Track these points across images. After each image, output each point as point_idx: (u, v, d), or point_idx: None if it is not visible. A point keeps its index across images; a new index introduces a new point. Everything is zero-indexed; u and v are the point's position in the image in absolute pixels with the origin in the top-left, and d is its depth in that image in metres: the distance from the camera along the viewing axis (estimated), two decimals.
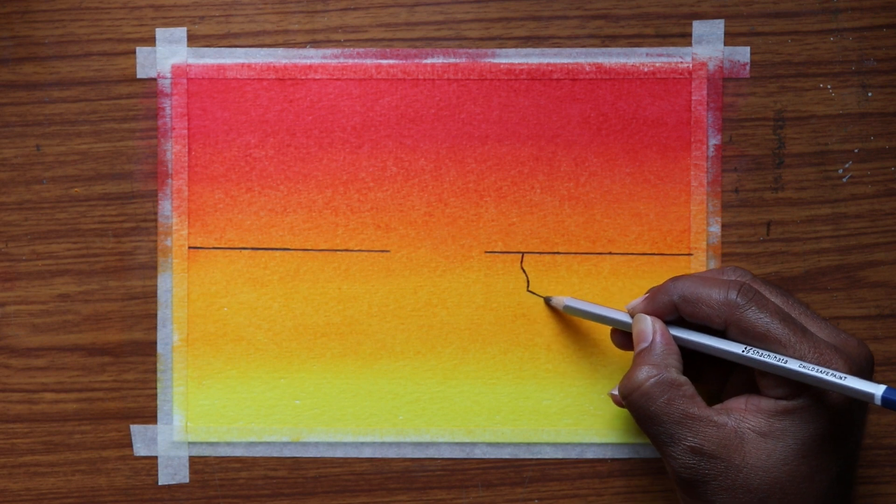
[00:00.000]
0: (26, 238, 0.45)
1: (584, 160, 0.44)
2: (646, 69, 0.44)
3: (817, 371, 0.34)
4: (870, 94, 0.44)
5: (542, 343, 0.44)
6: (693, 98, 0.44)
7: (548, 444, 0.44)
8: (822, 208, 0.44)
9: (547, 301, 0.44)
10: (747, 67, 0.44)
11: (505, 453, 0.44)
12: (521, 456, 0.44)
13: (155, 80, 0.44)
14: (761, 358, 0.36)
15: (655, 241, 0.44)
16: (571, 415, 0.44)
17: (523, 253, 0.44)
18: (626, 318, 0.40)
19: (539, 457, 0.44)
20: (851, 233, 0.44)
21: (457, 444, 0.44)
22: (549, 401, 0.44)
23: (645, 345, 0.38)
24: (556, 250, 0.44)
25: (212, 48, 0.44)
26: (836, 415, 0.35)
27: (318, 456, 0.45)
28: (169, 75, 0.44)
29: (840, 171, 0.44)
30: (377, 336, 0.44)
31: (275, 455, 0.45)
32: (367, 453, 0.44)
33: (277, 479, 0.45)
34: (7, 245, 0.45)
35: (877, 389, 0.33)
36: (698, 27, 0.44)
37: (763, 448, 0.35)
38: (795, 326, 0.36)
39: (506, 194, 0.44)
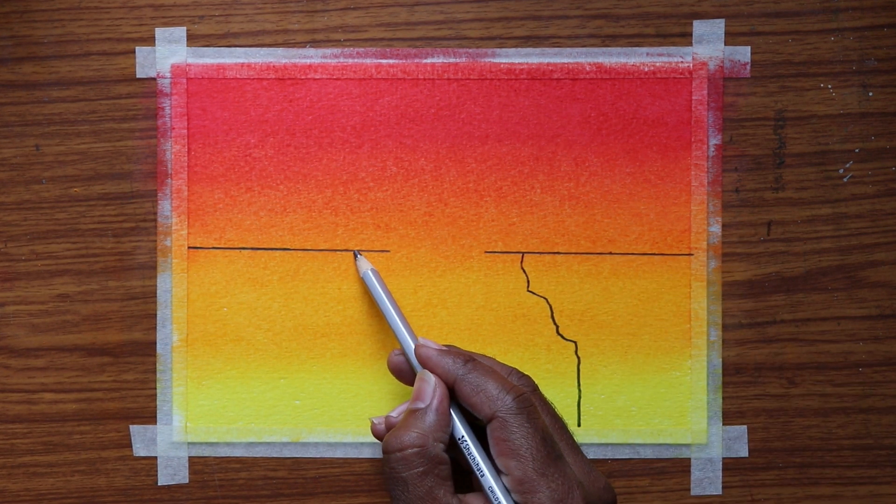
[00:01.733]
0: (26, 238, 0.45)
1: (585, 160, 0.44)
2: (646, 69, 0.44)
3: None
4: (870, 94, 0.44)
5: (542, 343, 0.44)
6: (693, 98, 0.44)
7: None
8: (823, 208, 0.44)
9: (355, 254, 0.44)
10: (748, 67, 0.44)
11: None
12: None
13: (154, 79, 0.44)
14: (482, 478, 0.36)
15: (656, 241, 0.44)
16: (571, 415, 0.44)
17: (523, 253, 0.44)
18: (410, 344, 0.40)
19: None
20: (852, 233, 0.44)
21: None
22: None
23: (421, 405, 0.38)
24: (556, 250, 0.44)
25: (211, 48, 0.44)
26: None
27: (318, 456, 0.45)
28: (168, 75, 0.44)
29: (841, 170, 0.44)
30: (377, 336, 0.44)
31: (275, 455, 0.44)
32: (367, 453, 0.44)
33: (277, 480, 0.45)
34: (6, 245, 0.45)
35: None
36: (699, 27, 0.44)
37: None
38: (551, 449, 0.36)
39: (506, 194, 0.44)
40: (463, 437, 0.38)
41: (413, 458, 0.37)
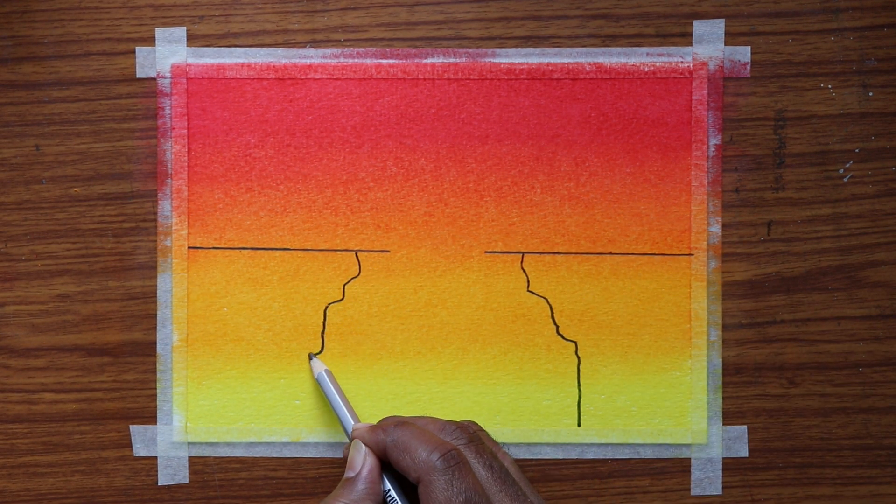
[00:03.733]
0: (26, 238, 0.45)
1: (585, 160, 0.44)
2: (646, 69, 0.44)
3: None
4: (870, 94, 0.44)
5: (542, 343, 0.44)
6: (693, 98, 0.44)
7: (548, 444, 0.44)
8: (823, 208, 0.44)
9: (310, 356, 0.44)
10: (748, 67, 0.44)
11: None
12: (522, 456, 0.44)
13: (154, 79, 0.44)
14: None
15: (656, 241, 0.44)
16: (571, 415, 0.44)
17: (523, 253, 0.44)
18: (350, 426, 0.41)
19: (539, 457, 0.44)
20: (852, 233, 0.44)
21: None
22: (549, 401, 0.44)
23: (351, 474, 0.38)
24: (556, 250, 0.44)
25: (211, 48, 0.44)
26: None
27: (318, 456, 0.45)
28: (168, 75, 0.44)
29: (841, 170, 0.44)
30: (377, 336, 0.44)
31: (275, 455, 0.44)
32: None
33: (277, 480, 0.45)
34: (6, 245, 0.45)
35: None
36: (699, 27, 0.44)
37: None
38: None
39: (506, 194, 0.44)
40: (389, 490, 0.38)
41: None
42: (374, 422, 0.40)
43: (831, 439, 0.44)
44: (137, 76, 0.44)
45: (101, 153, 0.44)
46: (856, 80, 0.44)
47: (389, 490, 0.39)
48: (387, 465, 0.39)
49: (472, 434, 0.39)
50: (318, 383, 0.43)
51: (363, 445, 0.39)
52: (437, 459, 0.36)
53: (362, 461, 0.39)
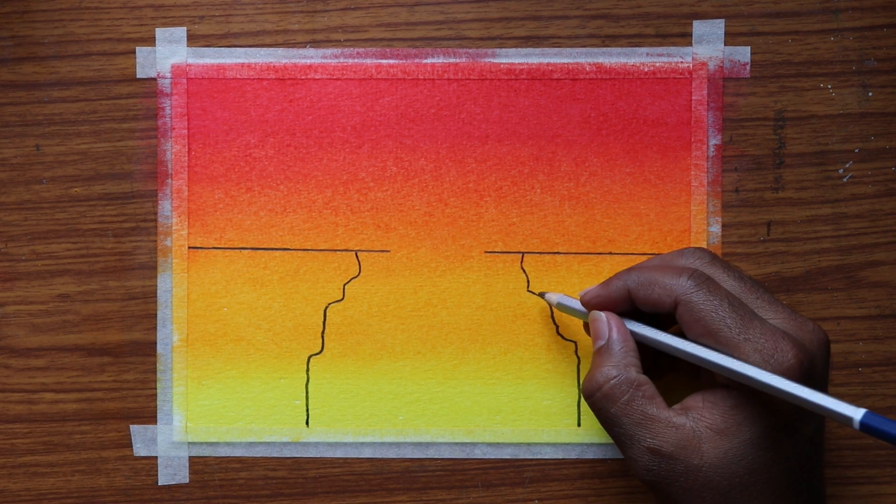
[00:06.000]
0: (26, 238, 0.45)
1: (584, 160, 0.44)
2: (646, 69, 0.44)
3: (781, 382, 0.33)
4: (870, 94, 0.44)
5: (542, 343, 0.44)
6: (693, 98, 0.44)
7: (548, 444, 0.44)
8: (823, 208, 0.44)
9: (542, 295, 0.44)
10: (748, 67, 0.44)
11: (505, 453, 0.44)
12: (522, 456, 0.44)
13: (155, 79, 0.44)
14: (709, 358, 0.35)
15: (656, 241, 0.44)
16: (571, 415, 0.44)
17: (523, 253, 0.44)
18: (575, 303, 0.41)
19: (539, 457, 0.44)
20: (852, 233, 0.44)
21: (457, 444, 0.44)
22: (549, 401, 0.44)
23: (602, 343, 0.38)
24: (556, 250, 0.44)
25: (212, 48, 0.44)
26: (788, 403, 0.35)
27: (318, 456, 0.45)
28: (169, 75, 0.44)
29: (840, 170, 0.44)
30: (377, 336, 0.44)
31: (275, 455, 0.44)
32: (367, 453, 0.44)
33: (277, 480, 0.45)
34: (7, 245, 0.45)
35: (855, 413, 0.31)
36: (698, 27, 0.44)
37: (720, 446, 0.35)
38: (743, 312, 0.35)
39: (506, 194, 0.44)
40: (645, 335, 0.37)
41: (613, 392, 0.37)
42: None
43: (831, 439, 0.44)
44: (137, 76, 0.44)
45: (102, 153, 0.44)
46: (855, 80, 0.44)
47: (643, 334, 0.38)
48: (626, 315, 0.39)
49: (711, 253, 0.39)
50: (560, 310, 0.43)
51: (601, 313, 0.39)
52: (687, 279, 0.36)
53: (607, 324, 0.38)
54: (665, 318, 0.39)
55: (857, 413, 0.31)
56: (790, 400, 0.33)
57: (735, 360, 0.35)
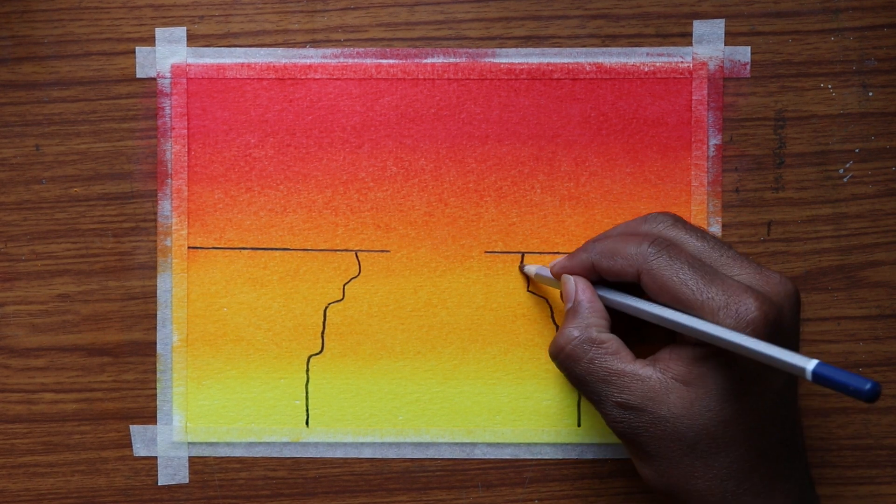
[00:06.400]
0: (25, 238, 0.45)
1: (585, 160, 0.44)
2: (646, 69, 0.44)
3: (734, 336, 0.33)
4: (871, 94, 0.44)
5: (542, 343, 0.44)
6: (693, 98, 0.44)
7: (548, 444, 0.44)
8: (823, 208, 0.44)
9: (521, 269, 0.44)
10: (748, 67, 0.44)
11: (505, 454, 0.44)
12: (522, 456, 0.44)
13: (154, 79, 0.44)
14: (669, 317, 0.36)
15: None
16: (571, 415, 0.44)
17: (523, 253, 0.44)
18: (545, 270, 0.42)
19: (539, 457, 0.44)
20: (852, 233, 0.44)
21: (457, 444, 0.44)
22: (549, 401, 0.44)
23: (569, 305, 0.39)
24: (556, 250, 0.44)
25: (211, 48, 0.44)
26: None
27: (318, 456, 0.45)
28: (168, 75, 0.44)
29: (841, 170, 0.44)
30: (377, 336, 0.44)
31: (275, 455, 0.44)
32: (367, 453, 0.44)
33: (277, 480, 0.45)
34: (6, 245, 0.45)
35: (808, 364, 0.31)
36: (699, 27, 0.44)
37: (685, 396, 0.35)
38: (704, 272, 0.35)
39: (506, 194, 0.44)
40: (611, 299, 0.38)
41: (575, 351, 0.38)
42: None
43: (831, 439, 0.44)
44: (137, 76, 0.44)
45: (101, 153, 0.44)
46: (856, 80, 0.44)
47: (612, 299, 0.38)
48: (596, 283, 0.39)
49: (674, 216, 0.39)
50: (539, 280, 0.43)
51: (569, 276, 0.40)
52: (648, 247, 0.36)
53: (575, 287, 0.39)
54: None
55: (809, 363, 0.31)
56: (744, 353, 0.33)
57: (690, 317, 0.35)
